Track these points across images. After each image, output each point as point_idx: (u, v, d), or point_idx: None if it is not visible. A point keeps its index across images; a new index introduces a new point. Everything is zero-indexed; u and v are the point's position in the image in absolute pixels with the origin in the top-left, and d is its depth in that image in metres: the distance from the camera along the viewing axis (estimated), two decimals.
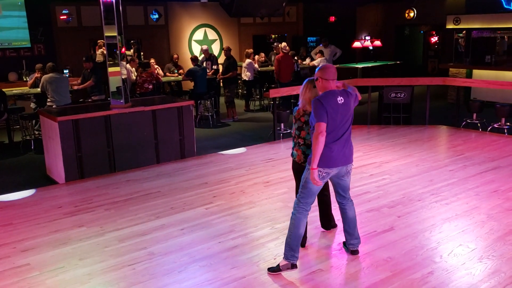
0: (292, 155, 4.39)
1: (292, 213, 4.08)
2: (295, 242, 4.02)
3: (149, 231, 5.00)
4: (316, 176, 3.87)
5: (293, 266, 4.02)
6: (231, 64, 11.13)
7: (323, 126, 3.80)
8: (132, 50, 13.71)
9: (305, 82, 4.27)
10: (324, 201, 4.76)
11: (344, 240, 4.47)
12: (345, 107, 3.93)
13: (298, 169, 4.30)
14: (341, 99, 3.91)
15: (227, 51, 11.35)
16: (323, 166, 3.91)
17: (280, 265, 4.03)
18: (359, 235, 4.38)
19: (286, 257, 4.03)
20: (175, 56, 12.80)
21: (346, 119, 3.97)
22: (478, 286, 3.78)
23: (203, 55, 12.39)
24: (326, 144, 3.86)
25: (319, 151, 3.80)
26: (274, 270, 4.04)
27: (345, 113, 3.94)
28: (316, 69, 4.07)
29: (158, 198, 5.99)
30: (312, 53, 13.83)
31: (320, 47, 13.67)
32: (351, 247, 4.34)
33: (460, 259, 4.21)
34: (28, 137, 8.90)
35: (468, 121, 9.39)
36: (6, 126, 9.14)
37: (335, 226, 4.90)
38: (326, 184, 4.64)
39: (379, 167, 6.98)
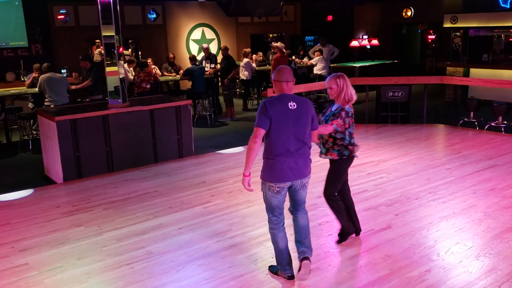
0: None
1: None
2: (279, 256, 3.86)
3: (147, 230, 5.00)
4: (246, 184, 3.67)
5: (290, 278, 3.87)
6: (231, 64, 11.13)
7: (260, 132, 3.54)
8: (130, 50, 13.70)
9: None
10: (346, 206, 4.51)
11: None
12: (298, 114, 3.60)
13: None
14: (293, 105, 3.58)
15: (225, 50, 11.33)
16: (275, 181, 3.66)
17: (279, 271, 3.96)
18: (310, 244, 3.95)
19: (279, 269, 3.94)
20: (171, 55, 12.80)
21: (302, 130, 3.63)
22: (475, 283, 3.80)
23: (203, 54, 12.39)
24: (274, 156, 3.61)
25: (251, 157, 3.59)
26: (273, 272, 4.00)
27: (299, 122, 3.60)
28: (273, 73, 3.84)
29: (156, 198, 5.99)
30: (310, 52, 13.84)
31: (318, 46, 13.66)
32: (300, 255, 3.88)
33: (457, 257, 4.23)
34: (26, 137, 8.89)
35: (466, 119, 9.41)
36: (4, 126, 9.14)
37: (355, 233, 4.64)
38: (346, 188, 4.54)
39: (376, 166, 7.00)
